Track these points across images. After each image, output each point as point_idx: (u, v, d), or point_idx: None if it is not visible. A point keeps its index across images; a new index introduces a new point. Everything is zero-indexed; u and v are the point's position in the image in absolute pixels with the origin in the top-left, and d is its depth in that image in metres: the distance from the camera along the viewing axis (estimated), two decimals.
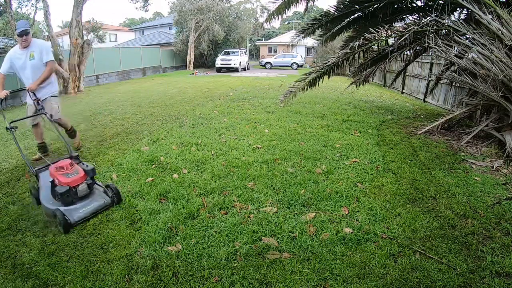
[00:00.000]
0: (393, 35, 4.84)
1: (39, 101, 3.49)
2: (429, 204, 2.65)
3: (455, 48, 4.46)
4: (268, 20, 7.55)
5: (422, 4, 5.83)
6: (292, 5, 6.94)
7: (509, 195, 2.74)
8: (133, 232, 2.31)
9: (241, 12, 24.64)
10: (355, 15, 6.53)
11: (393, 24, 5.83)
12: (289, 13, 7.72)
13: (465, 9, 5.21)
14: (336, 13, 6.39)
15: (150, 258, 2.02)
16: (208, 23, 21.45)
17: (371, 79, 7.26)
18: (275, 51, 30.01)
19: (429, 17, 4.72)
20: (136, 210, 2.60)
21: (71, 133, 4.22)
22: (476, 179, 3.10)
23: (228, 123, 5.39)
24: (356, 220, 2.40)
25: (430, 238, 2.18)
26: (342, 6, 6.17)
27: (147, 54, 19.87)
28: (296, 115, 5.96)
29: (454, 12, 5.49)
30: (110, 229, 2.35)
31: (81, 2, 10.55)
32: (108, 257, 2.04)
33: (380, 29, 4.84)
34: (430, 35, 4.47)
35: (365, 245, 2.11)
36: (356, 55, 5.12)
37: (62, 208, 2.38)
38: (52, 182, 2.56)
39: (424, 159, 3.69)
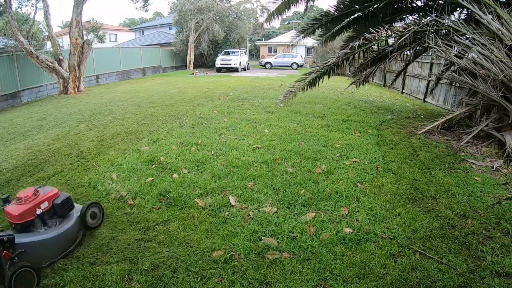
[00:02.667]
0: (393, 35, 4.84)
1: None
2: (429, 204, 2.65)
3: (455, 48, 4.46)
4: (268, 20, 7.55)
5: (422, 4, 5.83)
6: (292, 5, 6.94)
7: (509, 195, 2.74)
8: (134, 233, 2.31)
9: (241, 12, 24.63)
10: (355, 15, 6.52)
11: (393, 24, 5.83)
12: (289, 13, 7.73)
13: (465, 9, 5.21)
14: (336, 13, 6.39)
15: (149, 258, 2.02)
16: (208, 23, 21.45)
17: (371, 79, 7.25)
18: (275, 51, 29.99)
19: (429, 17, 4.72)
20: (138, 210, 2.60)
21: None
22: (476, 179, 3.10)
23: (228, 123, 5.39)
24: (356, 220, 2.40)
25: (430, 238, 2.18)
26: (342, 6, 6.17)
27: (147, 54, 19.88)
28: (296, 115, 5.96)
29: (454, 12, 5.49)
30: (110, 229, 2.35)
31: (81, 2, 10.54)
32: (108, 258, 2.04)
33: (380, 29, 4.83)
34: (430, 35, 4.47)
35: (365, 245, 2.11)
36: (356, 55, 5.11)
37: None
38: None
39: (424, 159, 3.69)
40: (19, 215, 2.02)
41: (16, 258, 1.84)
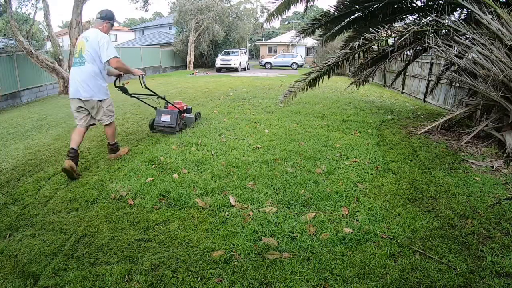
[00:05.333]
0: (393, 35, 4.84)
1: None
2: (429, 204, 2.65)
3: (455, 48, 4.45)
4: (268, 20, 7.55)
5: (422, 4, 5.83)
6: (292, 5, 6.94)
7: (509, 195, 2.74)
8: (134, 233, 2.31)
9: (241, 12, 24.64)
10: (355, 15, 6.53)
11: (393, 24, 5.83)
12: (289, 13, 7.73)
13: (465, 9, 5.20)
14: (336, 13, 6.39)
15: (149, 258, 2.02)
16: (208, 23, 21.45)
17: (371, 79, 7.26)
18: (275, 51, 30.01)
19: (429, 17, 4.72)
20: (138, 210, 2.61)
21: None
22: (476, 179, 3.10)
23: (228, 123, 5.39)
24: (356, 220, 2.40)
25: (430, 238, 2.18)
26: (342, 6, 6.17)
27: (147, 54, 19.89)
28: (296, 115, 5.96)
29: (454, 12, 5.49)
30: (110, 229, 2.35)
31: (81, 2, 10.55)
32: (108, 258, 2.04)
33: (380, 29, 4.83)
34: (430, 35, 4.47)
35: (365, 245, 2.11)
36: (356, 55, 5.11)
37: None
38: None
39: (424, 159, 3.69)
40: (180, 108, 4.86)
41: (182, 120, 4.95)
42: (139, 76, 4.05)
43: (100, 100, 3.51)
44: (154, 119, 4.86)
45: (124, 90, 4.10)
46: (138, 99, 4.47)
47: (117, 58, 3.42)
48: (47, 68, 10.59)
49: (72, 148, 3.31)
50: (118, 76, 4.01)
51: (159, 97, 4.54)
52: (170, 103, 4.85)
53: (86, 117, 3.54)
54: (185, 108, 4.98)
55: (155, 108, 4.81)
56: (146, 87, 4.18)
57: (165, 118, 4.73)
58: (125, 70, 3.65)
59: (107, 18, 3.62)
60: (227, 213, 2.53)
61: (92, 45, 3.35)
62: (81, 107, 3.47)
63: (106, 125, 3.66)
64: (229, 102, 7.53)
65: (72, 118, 6.47)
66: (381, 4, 5.70)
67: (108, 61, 3.40)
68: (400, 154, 3.84)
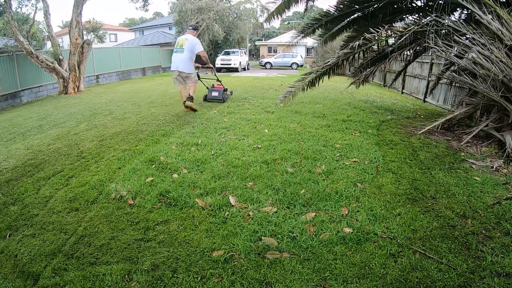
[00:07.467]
0: (393, 35, 4.84)
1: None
2: (429, 204, 2.65)
3: (455, 48, 4.45)
4: (268, 20, 7.55)
5: (422, 4, 5.83)
6: (292, 5, 6.94)
7: (509, 195, 2.74)
8: (134, 233, 2.31)
9: (241, 12, 24.63)
10: (355, 15, 6.52)
11: (393, 24, 5.83)
12: (289, 13, 7.74)
13: (465, 9, 5.20)
14: (336, 13, 6.39)
15: (149, 258, 2.02)
16: (208, 23, 21.44)
17: (371, 79, 7.26)
18: (275, 51, 29.99)
19: (429, 17, 4.72)
20: (138, 210, 2.61)
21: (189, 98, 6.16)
22: (476, 179, 3.10)
23: (228, 123, 5.39)
24: (356, 220, 2.40)
25: (430, 238, 2.18)
26: (342, 6, 6.17)
27: (147, 54, 19.88)
28: (296, 115, 5.96)
29: (454, 12, 5.49)
30: (110, 229, 2.35)
31: (81, 2, 10.54)
32: (108, 258, 2.04)
33: (380, 29, 4.83)
34: (430, 35, 4.47)
35: (365, 245, 2.11)
36: (356, 55, 5.11)
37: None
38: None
39: (424, 159, 3.69)
40: (222, 88, 7.58)
41: (225, 95, 7.67)
42: (212, 67, 6.85)
43: (189, 73, 6.02)
44: (206, 95, 7.62)
45: (197, 76, 6.48)
46: (201, 81, 7.09)
47: (204, 52, 6.16)
48: (47, 68, 10.58)
49: (186, 97, 6.05)
50: (197, 68, 6.43)
51: (218, 80, 7.55)
52: (222, 85, 7.62)
53: (180, 83, 6.19)
54: (225, 88, 7.71)
55: (207, 88, 7.68)
56: (215, 74, 7.68)
57: (215, 94, 7.50)
58: (206, 60, 6.25)
59: (195, 29, 6.41)
60: (227, 213, 2.54)
61: (189, 42, 5.91)
62: (179, 76, 6.05)
63: (191, 83, 6.14)
64: (229, 102, 7.53)
65: (71, 119, 6.51)
66: (381, 4, 5.70)
67: (199, 53, 6.02)
68: (400, 154, 3.84)
